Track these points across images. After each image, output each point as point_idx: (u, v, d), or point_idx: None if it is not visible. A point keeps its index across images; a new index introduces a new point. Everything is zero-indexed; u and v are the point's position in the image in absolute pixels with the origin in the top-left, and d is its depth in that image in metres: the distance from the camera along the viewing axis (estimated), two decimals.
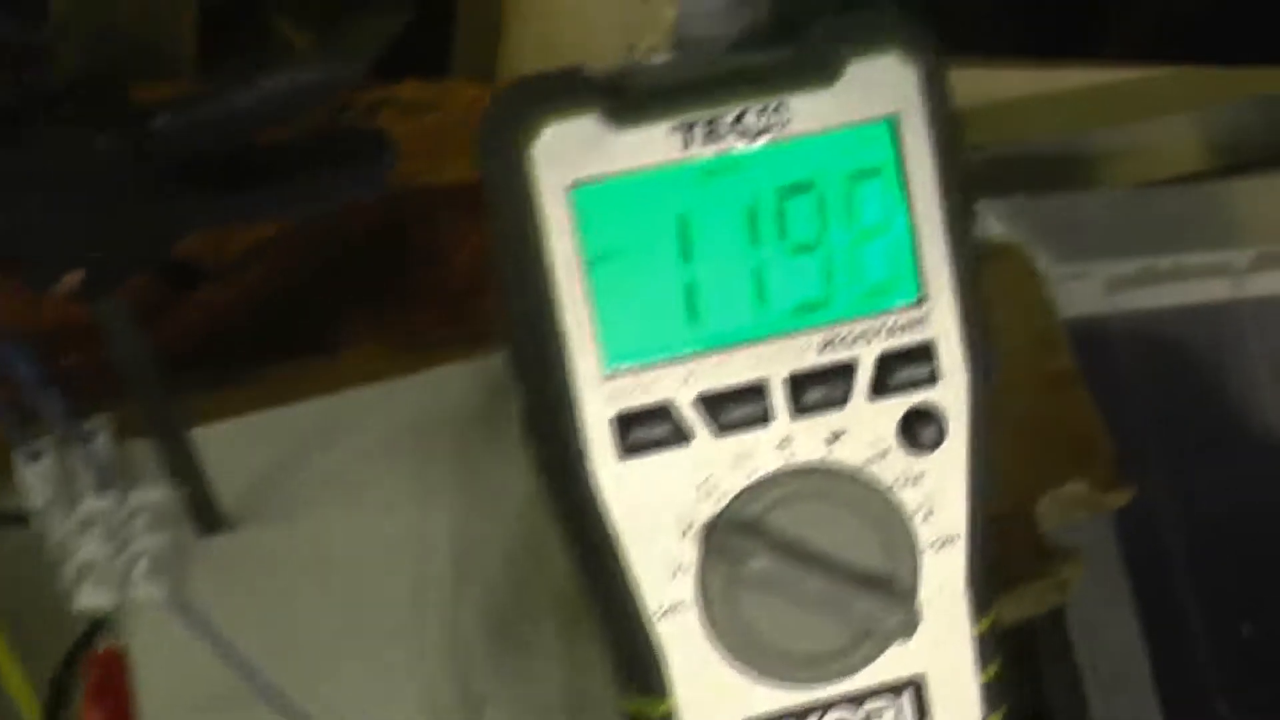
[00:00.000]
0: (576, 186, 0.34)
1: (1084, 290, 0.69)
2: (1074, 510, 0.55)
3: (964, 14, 0.87)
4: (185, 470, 0.42)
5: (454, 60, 0.80)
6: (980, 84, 0.78)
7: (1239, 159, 0.76)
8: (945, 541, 0.37)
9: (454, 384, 0.52)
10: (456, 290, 0.61)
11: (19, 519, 0.37)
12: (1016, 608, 0.52)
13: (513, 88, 0.34)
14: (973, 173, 0.69)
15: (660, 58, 0.37)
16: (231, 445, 0.49)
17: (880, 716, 0.38)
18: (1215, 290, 0.70)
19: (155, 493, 0.36)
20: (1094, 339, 0.69)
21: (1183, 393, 0.70)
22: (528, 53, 0.75)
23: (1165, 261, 0.69)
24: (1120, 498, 0.55)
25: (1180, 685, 0.65)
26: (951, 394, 0.36)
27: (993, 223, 0.66)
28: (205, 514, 0.47)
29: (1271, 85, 0.78)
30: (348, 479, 0.49)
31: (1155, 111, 0.77)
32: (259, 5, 0.79)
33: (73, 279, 0.37)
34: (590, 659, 0.46)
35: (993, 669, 0.38)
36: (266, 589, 0.45)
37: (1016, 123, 0.78)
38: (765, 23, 0.77)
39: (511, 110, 0.34)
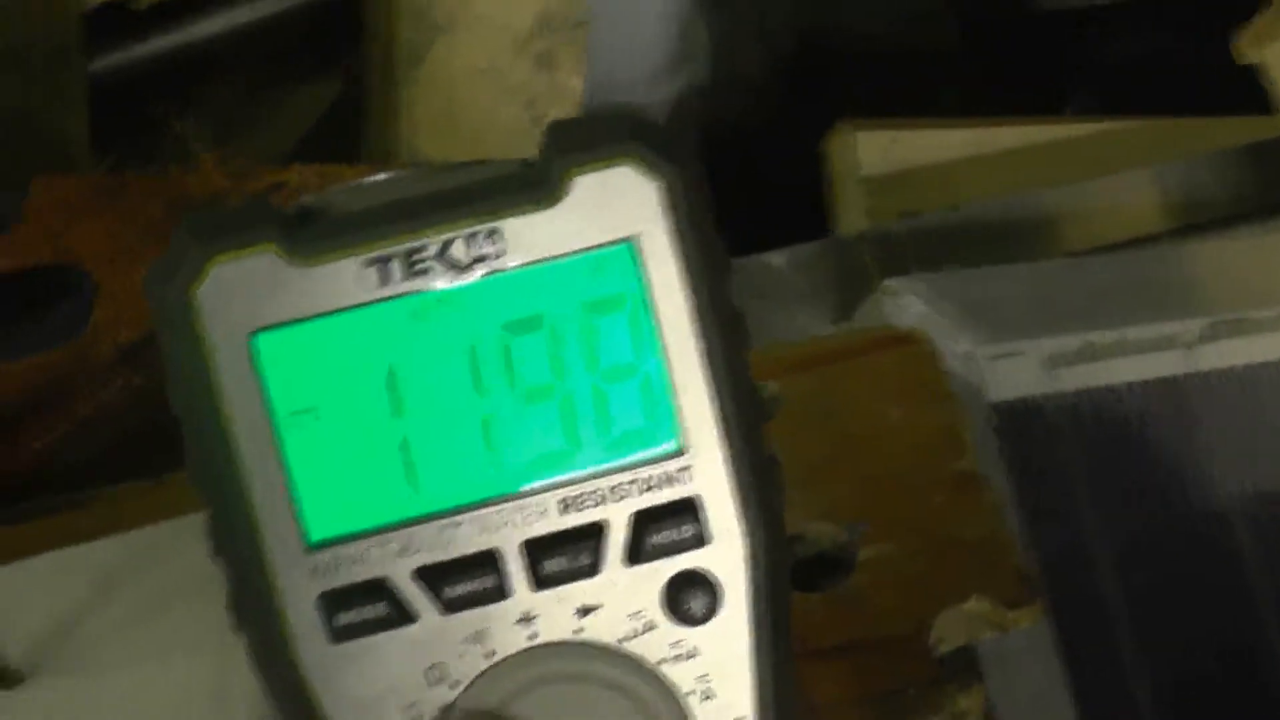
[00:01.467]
0: (257, 333, 0.29)
1: (1020, 370, 0.64)
2: (977, 629, 0.49)
3: (911, 75, 0.83)
4: None
5: (364, 142, 0.76)
6: (922, 145, 0.73)
7: (1194, 218, 0.71)
8: None
9: None
10: None
11: None
12: None
13: (186, 221, 0.30)
14: (892, 246, 0.64)
15: (375, 178, 0.32)
16: (24, 587, 0.44)
17: None
18: (1164, 364, 0.64)
19: None
20: (1032, 422, 0.64)
21: (1128, 476, 0.64)
22: (427, 132, 0.71)
23: (1107, 336, 0.64)
24: (1027, 616, 0.49)
25: None
26: (725, 557, 0.31)
27: (910, 302, 0.61)
28: None
29: (1226, 136, 0.72)
30: (145, 623, 0.44)
31: (1106, 168, 0.71)
32: (153, 97, 0.76)
33: None
34: None
35: None
36: None
37: (958, 186, 0.73)
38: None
39: (179, 247, 0.29)
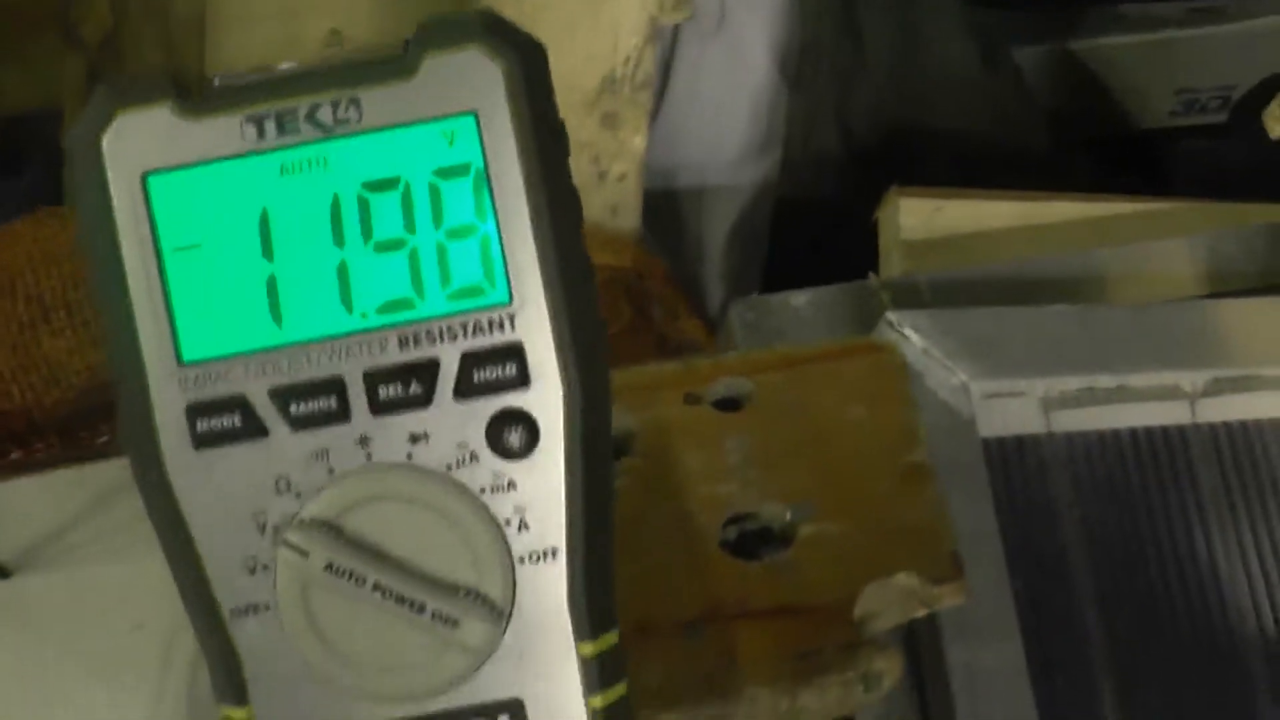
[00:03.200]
0: (149, 174, 0.35)
1: (1019, 409, 0.66)
2: (904, 605, 0.52)
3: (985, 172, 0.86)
4: None
5: None
6: (966, 215, 0.76)
7: (1219, 288, 0.73)
8: (542, 555, 0.36)
9: None
10: None
11: None
12: (819, 697, 0.49)
13: (98, 87, 0.36)
14: (910, 293, 0.67)
15: (274, 66, 0.38)
16: (20, 498, 0.50)
17: None
18: (1163, 414, 0.66)
19: None
20: (1025, 460, 0.66)
21: (1121, 520, 0.66)
22: None
23: (1108, 381, 0.66)
24: (952, 595, 0.51)
25: None
26: (544, 399, 0.36)
27: (910, 335, 0.64)
28: None
29: (1258, 218, 0.74)
30: (121, 535, 0.50)
31: (1134, 239, 0.74)
32: None
33: None
34: None
35: (603, 697, 0.36)
36: (29, 628, 0.46)
37: (997, 254, 0.77)
38: None
39: (94, 102, 0.35)
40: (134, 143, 0.35)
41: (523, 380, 0.35)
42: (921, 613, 0.52)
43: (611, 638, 0.36)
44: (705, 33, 0.87)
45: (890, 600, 0.52)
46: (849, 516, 0.54)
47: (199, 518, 0.35)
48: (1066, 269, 0.75)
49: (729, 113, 0.90)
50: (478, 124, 0.35)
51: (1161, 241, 0.74)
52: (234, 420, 0.35)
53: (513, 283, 0.35)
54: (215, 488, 0.35)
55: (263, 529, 0.35)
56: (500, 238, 0.35)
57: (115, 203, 0.35)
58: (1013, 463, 0.65)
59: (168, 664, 0.48)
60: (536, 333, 0.35)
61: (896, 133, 0.91)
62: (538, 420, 0.35)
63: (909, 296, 0.71)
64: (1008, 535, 0.64)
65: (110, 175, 0.35)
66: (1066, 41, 0.97)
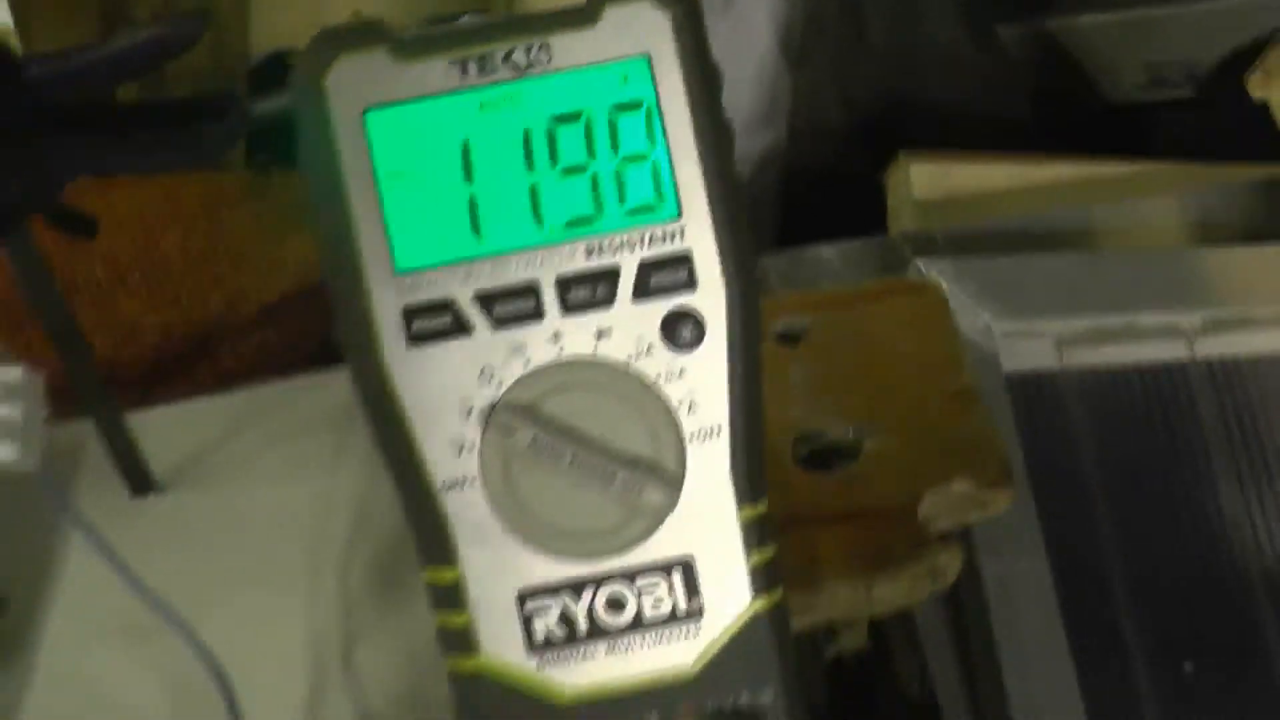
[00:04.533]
0: (368, 110, 0.41)
1: (1034, 348, 0.73)
2: (961, 508, 0.58)
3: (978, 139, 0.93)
4: (112, 430, 0.48)
5: None
6: (970, 176, 0.83)
7: (1209, 239, 0.80)
8: (708, 433, 0.42)
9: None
10: None
11: None
12: (891, 588, 0.56)
13: (316, 37, 0.42)
14: (930, 244, 0.74)
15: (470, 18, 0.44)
16: (170, 426, 0.56)
17: (652, 592, 0.42)
18: (1167, 351, 0.73)
19: (13, 373, 0.43)
20: (1042, 394, 0.72)
21: (1130, 447, 0.72)
22: None
23: (1116, 321, 0.73)
24: (1004, 498, 0.58)
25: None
26: (709, 299, 0.42)
27: (936, 280, 0.71)
28: (136, 476, 0.53)
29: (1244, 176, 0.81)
30: (263, 456, 0.56)
31: (1125, 197, 0.81)
32: None
33: None
34: None
35: (760, 555, 0.42)
36: (184, 539, 0.51)
37: (1001, 213, 0.83)
38: None
39: (315, 48, 0.41)
40: (353, 82, 0.41)
41: (691, 283, 0.42)
42: (977, 515, 0.59)
43: (763, 506, 0.43)
44: (714, 10, 0.94)
45: (949, 504, 0.58)
46: (907, 433, 0.60)
47: (413, 406, 0.41)
48: (1064, 224, 0.83)
49: (736, 87, 0.96)
50: (650, 65, 0.41)
51: (1151, 199, 0.81)
52: (443, 321, 0.41)
53: (681, 200, 0.41)
54: (427, 379, 0.41)
55: (468, 414, 0.41)
56: (669, 162, 0.41)
57: (337, 134, 0.41)
58: (1031, 396, 0.72)
59: (316, 570, 0.54)
60: (702, 242, 0.41)
61: (894, 104, 0.98)
62: (704, 317, 0.42)
63: (926, 247, 0.78)
64: (1029, 460, 0.70)
65: (332, 110, 0.41)
66: (1044, 20, 1.05)
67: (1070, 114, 1.04)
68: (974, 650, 0.64)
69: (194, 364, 0.74)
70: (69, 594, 0.48)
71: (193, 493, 0.51)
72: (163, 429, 0.54)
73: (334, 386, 0.59)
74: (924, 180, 0.83)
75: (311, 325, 0.76)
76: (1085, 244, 0.80)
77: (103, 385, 0.49)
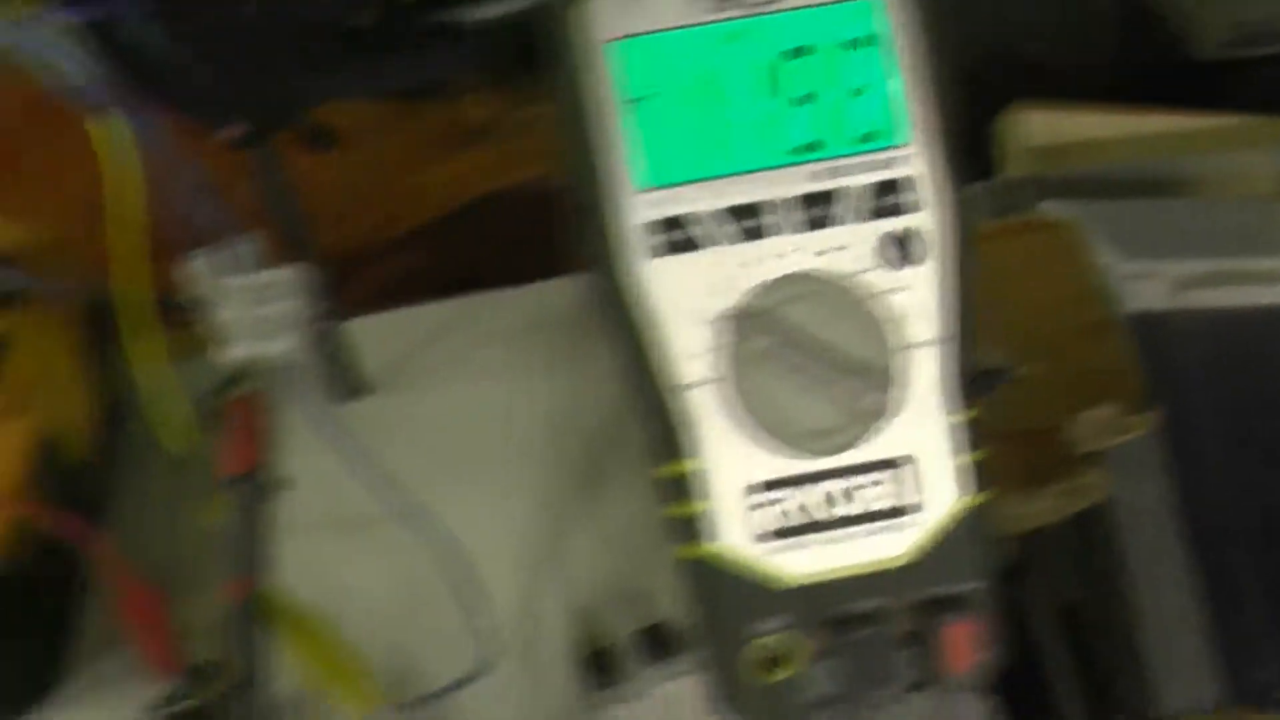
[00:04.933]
0: (620, 39, 0.45)
1: (1151, 288, 0.77)
2: (1106, 431, 0.63)
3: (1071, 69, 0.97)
4: (331, 335, 0.52)
5: None
6: (1082, 126, 0.87)
7: None
8: (924, 343, 0.46)
9: (554, 295, 0.62)
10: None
11: (181, 308, 0.48)
12: (1042, 504, 0.60)
13: None
14: (1049, 187, 0.78)
15: None
16: (378, 333, 0.60)
17: (872, 488, 0.46)
18: (1273, 294, 0.77)
19: (286, 272, 0.47)
20: (1159, 332, 0.76)
21: (1242, 385, 0.76)
22: None
23: (1230, 265, 0.77)
24: (1144, 422, 0.62)
25: (1236, 656, 0.71)
26: (930, 221, 0.46)
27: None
28: (350, 381, 0.58)
29: None
30: (468, 361, 0.60)
31: (1224, 149, 0.85)
32: None
33: (235, 129, 0.48)
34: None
35: (969, 456, 0.46)
36: (396, 438, 0.55)
37: (1110, 161, 0.87)
38: None
39: None
40: (601, 16, 0.44)
41: (912, 205, 0.46)
42: (1118, 439, 0.63)
43: (972, 412, 0.47)
44: None
45: (1094, 427, 0.62)
46: (1050, 361, 0.64)
47: (656, 313, 0.45)
48: (1167, 173, 0.86)
49: None
50: (882, 2, 0.45)
51: (1246, 151, 0.85)
52: (685, 234, 0.45)
53: (906, 128, 0.45)
54: (669, 289, 0.45)
55: (706, 320, 0.45)
56: (896, 93, 0.45)
57: (585, 64, 0.45)
58: (1147, 335, 0.76)
59: (520, 470, 0.58)
60: (924, 168, 0.45)
61: (986, 59, 1.01)
62: (923, 237, 0.46)
63: (1046, 191, 0.81)
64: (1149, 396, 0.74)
65: (581, 42, 0.44)
66: None
67: (1157, 70, 1.08)
68: (1101, 569, 0.68)
69: (341, 286, 0.77)
70: (303, 485, 0.51)
71: (401, 396, 0.55)
72: (370, 336, 0.58)
73: (520, 302, 0.63)
74: (1038, 129, 0.86)
75: (457, 249, 0.79)
76: (1186, 193, 0.84)
77: (325, 292, 0.53)
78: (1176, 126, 0.86)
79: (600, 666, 0.53)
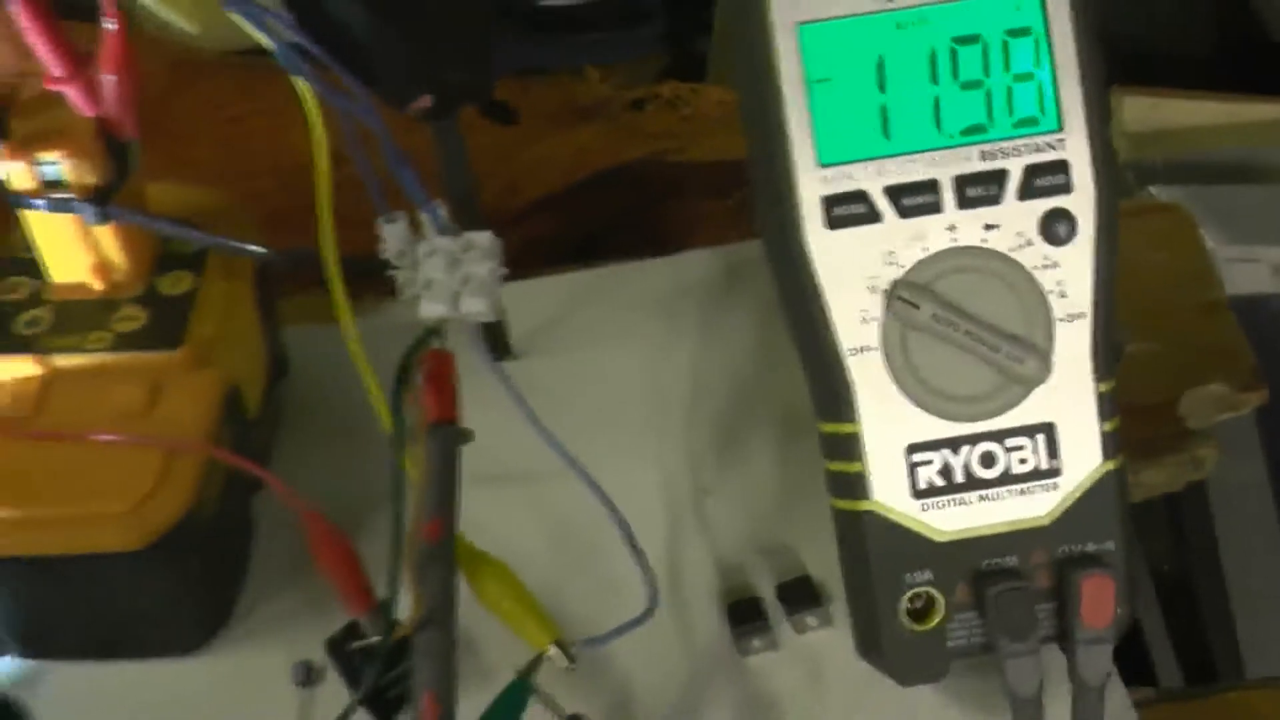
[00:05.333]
0: (803, 24, 0.48)
1: (1253, 272, 0.80)
2: (1216, 407, 0.66)
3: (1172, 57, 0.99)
4: None
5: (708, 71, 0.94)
6: (1178, 111, 0.90)
7: None
8: (1074, 316, 0.49)
9: (696, 264, 0.66)
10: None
11: (376, 267, 0.51)
12: (1157, 474, 0.63)
13: None
14: (1150, 173, 0.81)
15: None
16: (519, 298, 0.63)
17: (1019, 452, 0.49)
18: None
19: (483, 236, 0.50)
20: (1261, 315, 0.79)
21: None
22: None
23: None
24: (1254, 400, 0.65)
25: None
26: (1082, 202, 0.49)
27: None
28: (498, 343, 0.61)
29: None
30: (609, 327, 0.63)
31: None
32: None
33: (423, 102, 0.52)
34: (803, 462, 0.58)
35: (1110, 424, 0.50)
36: (540, 400, 0.57)
37: (1206, 147, 0.90)
38: None
39: None
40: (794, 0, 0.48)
41: (1067, 187, 0.49)
42: (1228, 414, 0.66)
43: (1113, 382, 0.50)
44: None
45: (1206, 403, 0.65)
46: (1164, 338, 0.67)
47: (827, 281, 0.48)
48: (1265, 159, 0.89)
49: None
50: None
51: None
52: (857, 209, 0.48)
53: (1062, 115, 0.48)
54: (840, 259, 0.48)
55: (873, 290, 0.49)
56: (1053, 82, 0.48)
57: (774, 44, 0.48)
58: (1247, 317, 0.79)
59: (662, 430, 0.61)
60: (1078, 152, 0.48)
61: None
62: (1076, 217, 0.49)
63: (1148, 176, 0.84)
64: None
65: (774, 23, 0.48)
66: None
67: (1255, 57, 1.10)
68: (1198, 541, 0.72)
69: None
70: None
71: (545, 358, 0.57)
72: (511, 301, 0.61)
73: (658, 272, 0.66)
74: (1135, 113, 0.89)
75: (577, 218, 0.83)
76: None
77: None
78: (1274, 114, 0.88)
79: (744, 617, 0.56)
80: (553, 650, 0.49)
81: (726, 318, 0.64)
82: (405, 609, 0.46)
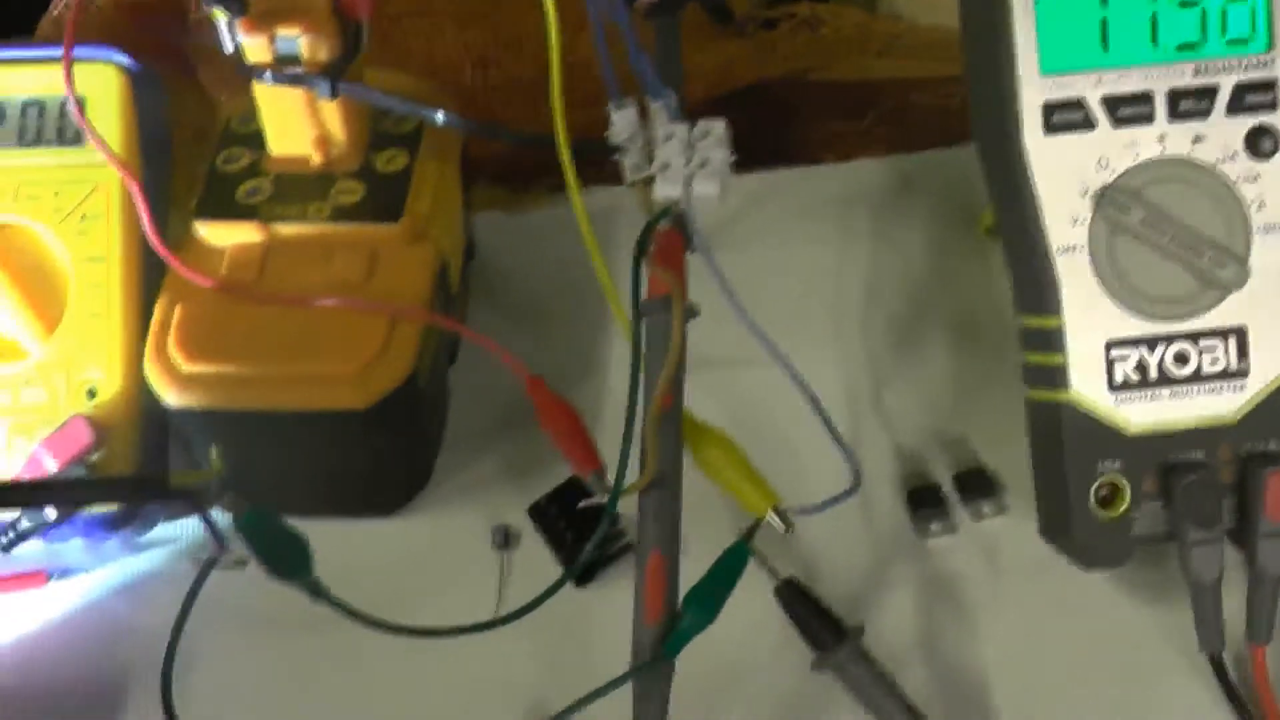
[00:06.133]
0: None
1: None
2: None
3: None
4: None
5: None
6: None
7: None
8: (1271, 228, 0.52)
9: (869, 172, 0.69)
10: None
11: (607, 150, 0.54)
12: None
13: None
14: None
15: None
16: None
17: (1211, 353, 0.52)
18: None
19: (718, 124, 0.53)
20: None
21: None
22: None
23: None
24: None
25: None
26: None
27: None
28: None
29: None
30: (785, 228, 0.66)
31: None
32: None
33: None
34: (975, 363, 0.62)
35: None
36: (720, 296, 0.60)
37: None
38: None
39: None
40: None
41: (1273, 104, 0.51)
42: None
43: None
44: None
45: None
46: None
47: (1042, 183, 0.51)
48: None
49: None
50: None
51: None
52: (1074, 116, 0.51)
53: (1273, 36, 0.51)
54: (1055, 163, 0.51)
55: (1084, 193, 0.52)
56: (1266, 5, 0.51)
57: None
58: None
59: (840, 325, 0.64)
60: None
61: None
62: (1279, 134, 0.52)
63: None
64: None
65: None
66: None
67: None
68: None
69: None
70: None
71: (723, 254, 0.59)
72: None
73: (831, 178, 0.69)
74: None
75: None
76: None
77: None
78: None
79: (923, 503, 0.59)
80: (771, 516, 0.52)
81: (898, 226, 0.67)
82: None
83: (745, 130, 0.87)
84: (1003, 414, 0.56)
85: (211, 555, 0.48)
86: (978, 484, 0.59)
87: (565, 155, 0.52)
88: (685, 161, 0.52)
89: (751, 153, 0.83)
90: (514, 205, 0.71)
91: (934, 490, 0.59)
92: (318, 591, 0.47)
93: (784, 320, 0.56)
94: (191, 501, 0.47)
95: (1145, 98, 0.51)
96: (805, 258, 0.66)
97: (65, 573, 0.58)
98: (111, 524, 0.57)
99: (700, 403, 0.55)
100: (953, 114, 0.70)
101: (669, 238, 0.51)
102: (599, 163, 0.54)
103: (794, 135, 0.85)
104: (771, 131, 0.84)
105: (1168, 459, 0.52)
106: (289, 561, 0.47)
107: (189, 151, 0.62)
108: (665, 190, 0.51)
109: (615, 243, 0.56)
